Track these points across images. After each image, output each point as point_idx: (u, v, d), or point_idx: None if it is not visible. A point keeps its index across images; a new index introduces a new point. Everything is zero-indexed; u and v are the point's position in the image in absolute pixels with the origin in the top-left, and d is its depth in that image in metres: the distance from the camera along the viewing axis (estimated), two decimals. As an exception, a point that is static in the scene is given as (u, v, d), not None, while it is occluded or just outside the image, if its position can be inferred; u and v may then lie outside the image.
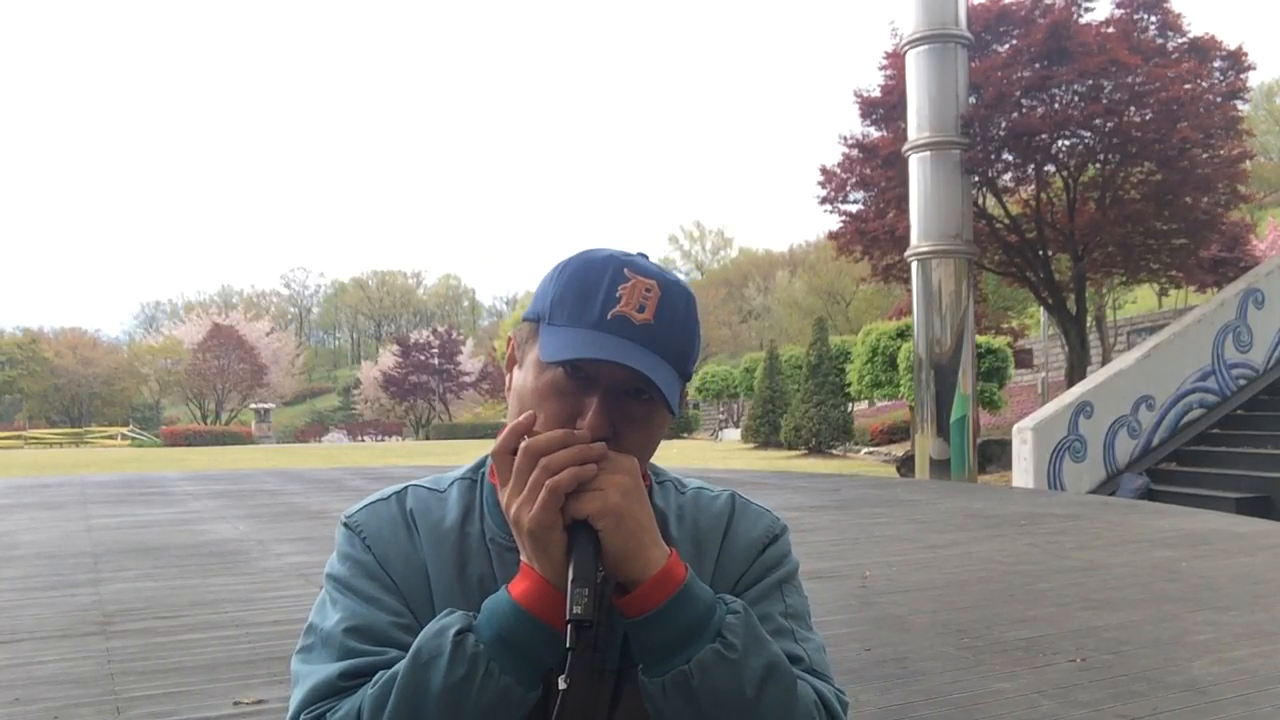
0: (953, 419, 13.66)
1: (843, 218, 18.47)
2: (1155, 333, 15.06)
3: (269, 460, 24.44)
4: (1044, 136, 15.15)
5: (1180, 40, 15.72)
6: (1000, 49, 15.86)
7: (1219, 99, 15.34)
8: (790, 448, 24.54)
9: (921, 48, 14.14)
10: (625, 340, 0.88)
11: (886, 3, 28.33)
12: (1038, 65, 15.03)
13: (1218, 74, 15.71)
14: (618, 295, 0.89)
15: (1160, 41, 15.72)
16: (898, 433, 23.29)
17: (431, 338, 60.09)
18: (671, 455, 23.60)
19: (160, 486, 13.49)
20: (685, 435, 37.62)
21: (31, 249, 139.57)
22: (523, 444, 0.85)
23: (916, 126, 14.29)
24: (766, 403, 27.51)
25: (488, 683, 0.82)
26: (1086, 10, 15.90)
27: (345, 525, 1.00)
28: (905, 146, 14.58)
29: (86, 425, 55.55)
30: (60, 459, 29.28)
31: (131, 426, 53.17)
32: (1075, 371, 16.05)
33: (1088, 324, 19.35)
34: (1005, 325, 25.35)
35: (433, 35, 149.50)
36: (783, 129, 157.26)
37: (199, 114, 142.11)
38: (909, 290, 15.76)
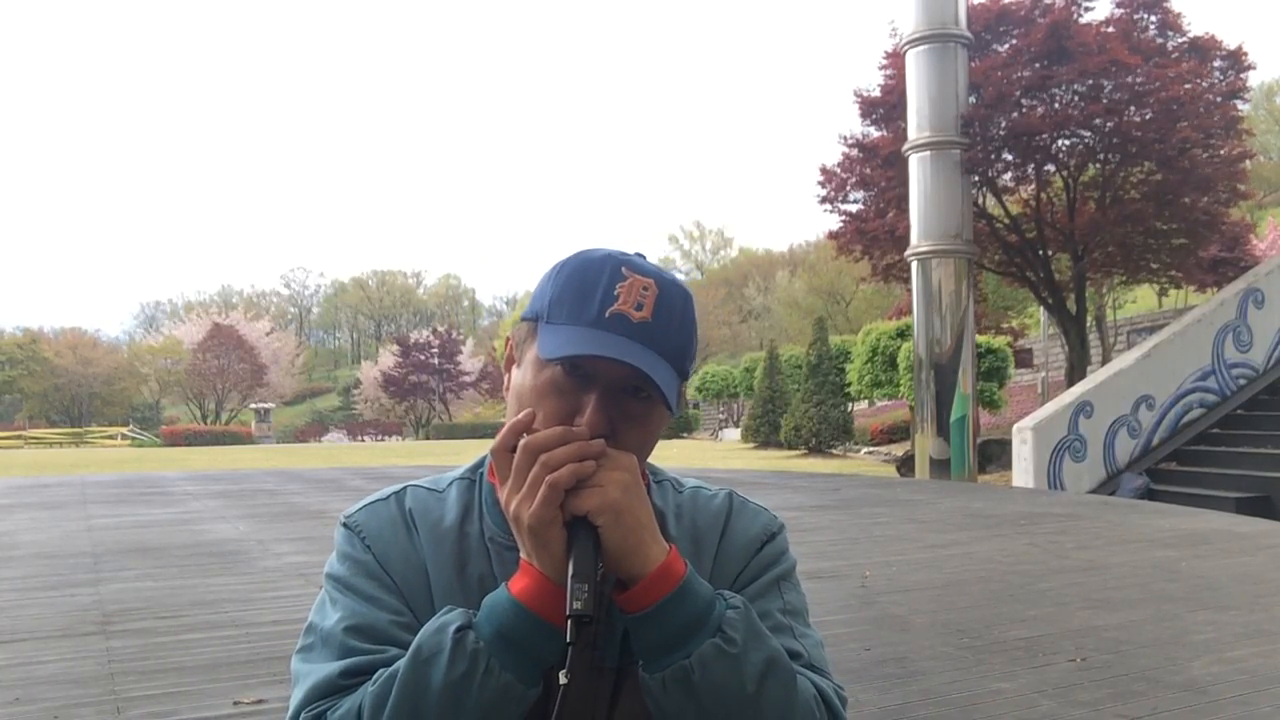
0: (953, 419, 13.66)
1: (843, 217, 18.47)
2: (1155, 333, 15.05)
3: (269, 460, 24.44)
4: (1044, 136, 15.15)
5: (1180, 40, 15.72)
6: (1000, 49, 15.86)
7: (1219, 99, 15.33)
8: (790, 447, 24.55)
9: (921, 47, 14.14)
10: (623, 338, 0.88)
11: (886, 3, 28.36)
12: (1038, 65, 15.03)
13: (1218, 74, 15.71)
14: (615, 294, 0.89)
15: (1160, 41, 15.72)
16: (898, 433, 23.29)
17: (431, 338, 60.09)
18: (671, 455, 23.60)
19: (160, 486, 13.49)
20: (685, 435, 37.62)
21: (31, 249, 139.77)
22: (522, 441, 0.85)
23: (916, 126, 14.29)
24: (766, 403, 27.52)
25: (488, 679, 0.83)
26: (1086, 10, 15.90)
27: (344, 525, 1.00)
28: (905, 146, 14.58)
29: (86, 425, 55.55)
30: (60, 459, 29.28)
31: (131, 426, 53.18)
32: (1075, 371, 16.05)
33: (1088, 324, 19.35)
34: (1005, 325, 25.35)
35: (433, 35, 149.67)
36: (783, 129, 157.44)
37: (199, 114, 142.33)
38: (909, 290, 15.76)
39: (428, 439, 49.93)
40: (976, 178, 15.32)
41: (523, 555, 0.86)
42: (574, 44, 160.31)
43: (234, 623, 4.67)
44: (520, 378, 0.94)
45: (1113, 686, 3.57)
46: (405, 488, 1.02)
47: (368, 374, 63.58)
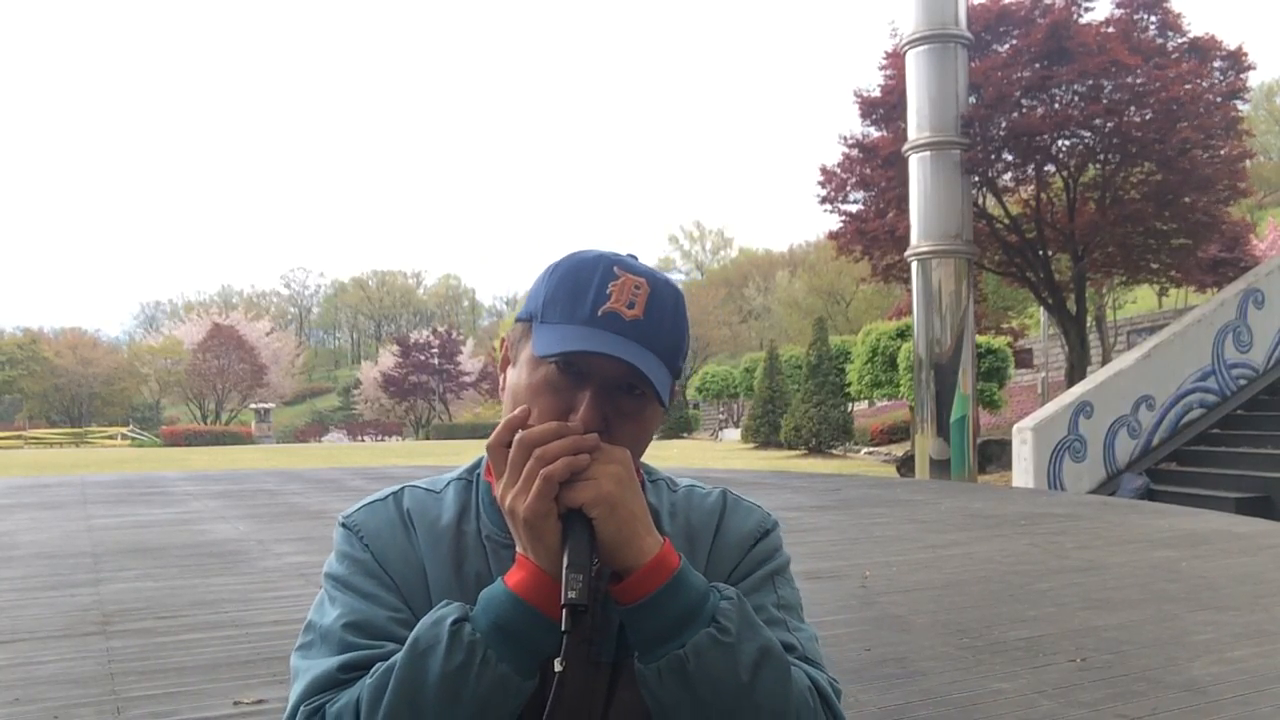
0: (953, 419, 13.66)
1: (843, 218, 18.48)
2: (1155, 333, 15.06)
3: (269, 460, 24.45)
4: (1044, 136, 15.15)
5: (1180, 40, 15.71)
6: (1000, 49, 15.86)
7: (1219, 99, 15.33)
8: (790, 448, 24.55)
9: (921, 48, 14.14)
10: (617, 335, 0.89)
11: (886, 3, 28.36)
12: (1038, 65, 15.03)
13: (1218, 74, 15.70)
14: (608, 292, 0.91)
15: (1160, 42, 15.72)
16: (898, 433, 23.29)
17: (431, 338, 60.08)
18: (671, 455, 23.61)
19: (160, 486, 13.49)
20: (685, 435, 37.61)
21: (31, 249, 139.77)
22: (517, 436, 0.86)
23: (916, 126, 14.29)
24: (766, 403, 27.52)
25: (485, 671, 0.83)
26: (1086, 10, 15.89)
27: (343, 525, 1.01)
28: (905, 146, 14.58)
29: (86, 425, 55.52)
30: (60, 459, 29.28)
31: (131, 426, 53.15)
32: (1075, 371, 16.05)
33: (1088, 324, 19.35)
34: (1005, 325, 25.35)
35: (432, 35, 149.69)
36: (783, 129, 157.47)
37: (199, 114, 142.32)
38: (909, 290, 15.76)
39: (428, 439, 49.93)
40: (976, 178, 15.33)
41: (519, 549, 0.87)
42: (574, 44, 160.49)
43: (234, 623, 4.67)
44: (515, 377, 0.95)
45: (1113, 687, 3.57)
46: (403, 488, 1.04)
47: (368, 374, 63.58)
